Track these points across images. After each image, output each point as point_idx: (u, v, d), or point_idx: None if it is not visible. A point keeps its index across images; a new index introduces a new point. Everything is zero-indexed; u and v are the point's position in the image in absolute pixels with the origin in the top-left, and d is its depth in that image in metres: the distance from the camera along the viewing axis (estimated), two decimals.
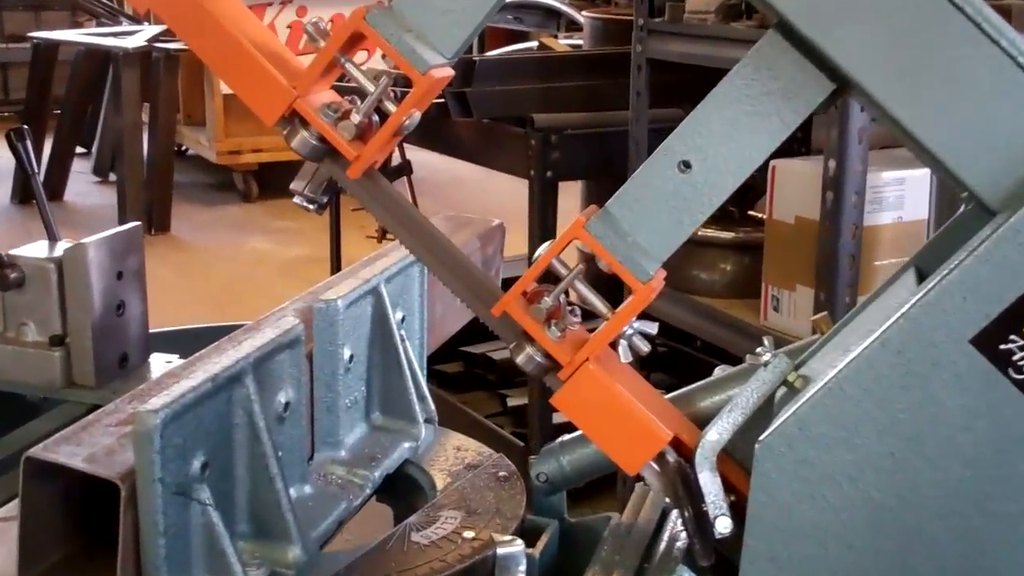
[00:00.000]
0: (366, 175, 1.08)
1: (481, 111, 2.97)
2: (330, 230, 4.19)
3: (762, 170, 2.66)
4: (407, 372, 1.29)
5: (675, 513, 1.17)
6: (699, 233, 2.54)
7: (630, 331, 1.05)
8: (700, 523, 1.03)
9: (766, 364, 1.05)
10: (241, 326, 1.77)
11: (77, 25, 8.65)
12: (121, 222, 6.50)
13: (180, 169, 7.15)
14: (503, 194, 5.25)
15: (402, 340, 1.29)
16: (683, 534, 1.09)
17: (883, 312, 1.00)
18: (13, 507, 1.04)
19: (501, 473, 1.24)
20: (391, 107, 1.06)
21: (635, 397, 1.05)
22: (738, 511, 1.02)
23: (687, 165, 1.03)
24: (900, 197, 2.22)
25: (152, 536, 0.89)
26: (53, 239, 1.43)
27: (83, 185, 7.59)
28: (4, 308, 1.39)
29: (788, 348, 1.15)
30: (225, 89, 6.98)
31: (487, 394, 3.67)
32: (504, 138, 3.00)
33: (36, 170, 1.43)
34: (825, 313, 1.17)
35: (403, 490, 1.26)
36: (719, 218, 2.56)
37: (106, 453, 0.94)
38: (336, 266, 4.22)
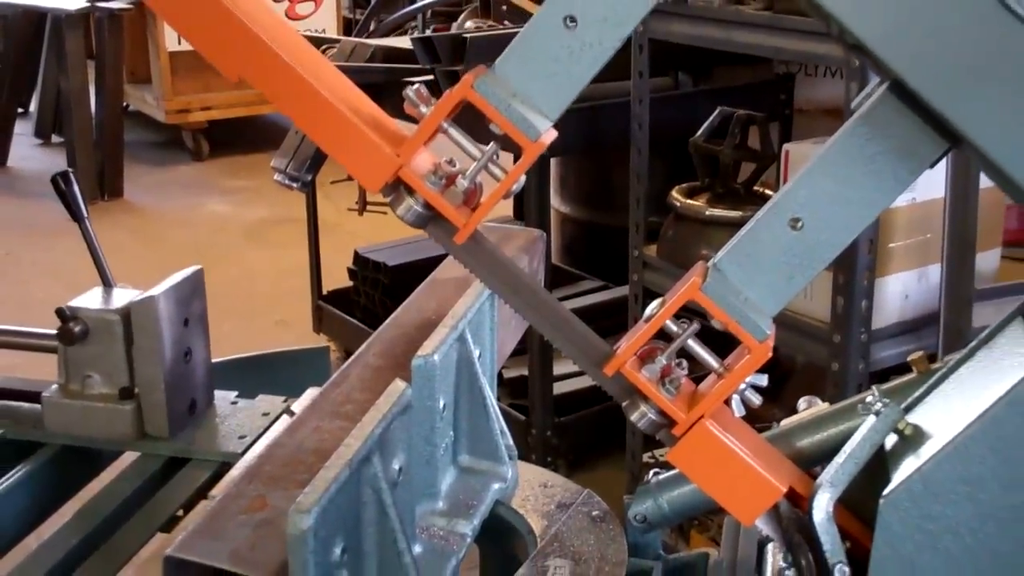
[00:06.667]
0: (472, 239, 1.07)
1: None
2: (307, 196, 4.14)
3: (768, 143, 2.67)
4: (492, 412, 1.29)
5: (771, 547, 1.20)
6: (707, 212, 2.56)
7: (743, 386, 1.06)
8: (817, 570, 1.06)
9: (877, 413, 1.06)
10: (293, 352, 1.77)
11: None
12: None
13: (125, 127, 6.98)
14: None
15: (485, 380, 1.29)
16: (788, 572, 1.12)
17: (998, 367, 1.02)
18: None
19: (595, 512, 1.25)
20: (496, 171, 1.05)
21: (748, 450, 1.06)
22: (852, 557, 1.05)
23: (798, 223, 1.04)
24: None
25: None
26: (108, 285, 1.40)
27: (25, 148, 7.40)
28: (66, 361, 1.35)
29: (888, 388, 1.17)
30: (171, 46, 6.81)
31: None
32: None
33: (86, 214, 1.39)
34: (922, 352, 1.19)
35: (497, 535, 1.27)
36: (725, 196, 2.57)
37: (249, 548, 0.94)
38: (314, 234, 4.18)
